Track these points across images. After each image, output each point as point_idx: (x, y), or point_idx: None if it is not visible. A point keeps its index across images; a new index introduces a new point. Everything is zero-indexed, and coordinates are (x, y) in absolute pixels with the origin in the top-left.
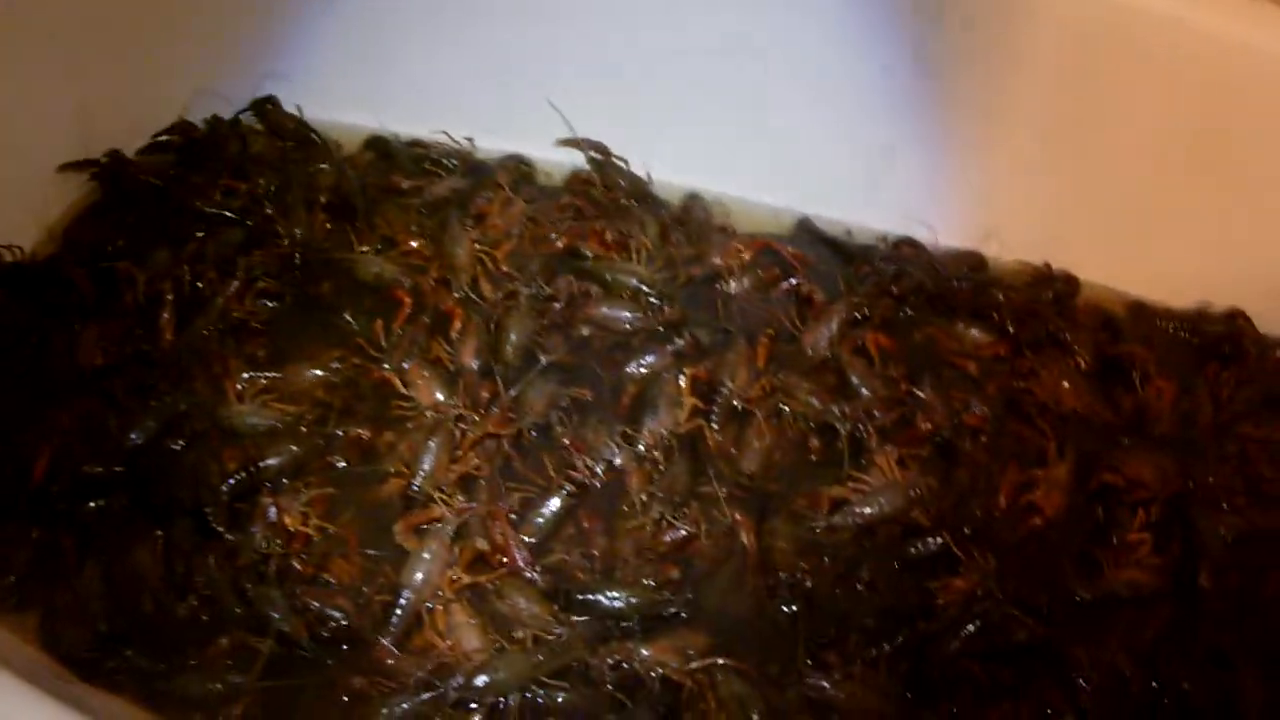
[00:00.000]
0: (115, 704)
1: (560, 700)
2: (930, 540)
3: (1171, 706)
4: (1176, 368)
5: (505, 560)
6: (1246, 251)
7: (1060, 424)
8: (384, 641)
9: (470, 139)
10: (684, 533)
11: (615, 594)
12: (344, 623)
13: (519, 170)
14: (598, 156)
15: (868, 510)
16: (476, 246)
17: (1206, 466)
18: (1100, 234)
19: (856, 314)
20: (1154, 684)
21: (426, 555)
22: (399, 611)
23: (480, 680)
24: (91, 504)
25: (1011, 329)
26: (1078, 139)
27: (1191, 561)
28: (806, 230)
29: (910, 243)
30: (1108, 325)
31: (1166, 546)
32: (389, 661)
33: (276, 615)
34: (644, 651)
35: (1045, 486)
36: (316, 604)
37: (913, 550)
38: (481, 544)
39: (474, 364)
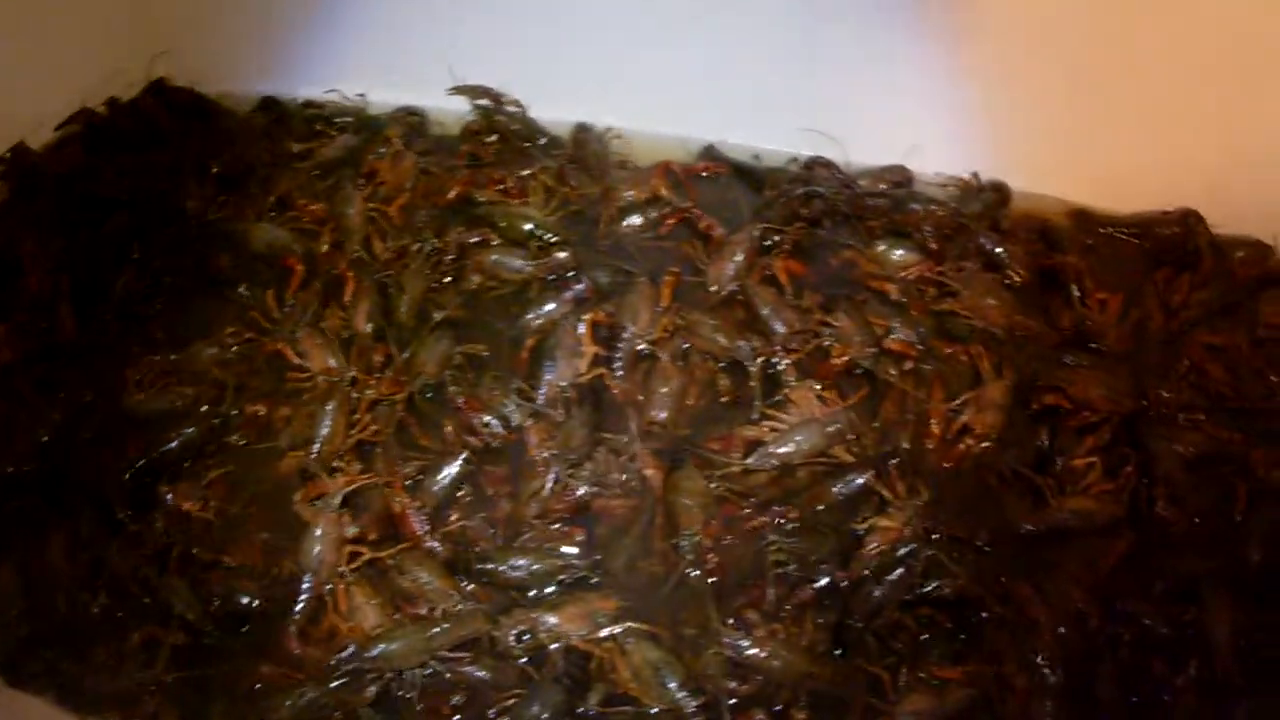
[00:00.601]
0: (38, 707)
1: (465, 673)
2: (853, 478)
3: (1133, 642)
4: (1125, 277)
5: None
6: (1189, 149)
7: (995, 344)
8: (289, 629)
9: (363, 95)
10: (582, 492)
11: (518, 561)
12: (252, 605)
13: (409, 122)
14: (487, 103)
15: (784, 450)
16: (369, 206)
17: (1162, 381)
18: (1035, 140)
19: (765, 241)
20: (1112, 620)
21: (318, 533)
22: (303, 597)
23: (374, 651)
24: (5, 505)
25: (934, 246)
26: (998, 42)
27: (1147, 486)
28: (711, 158)
29: (824, 163)
30: (1045, 236)
31: (1120, 471)
32: (295, 650)
33: (179, 604)
34: (550, 620)
35: (977, 407)
36: (221, 590)
37: (836, 490)
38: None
39: (368, 327)
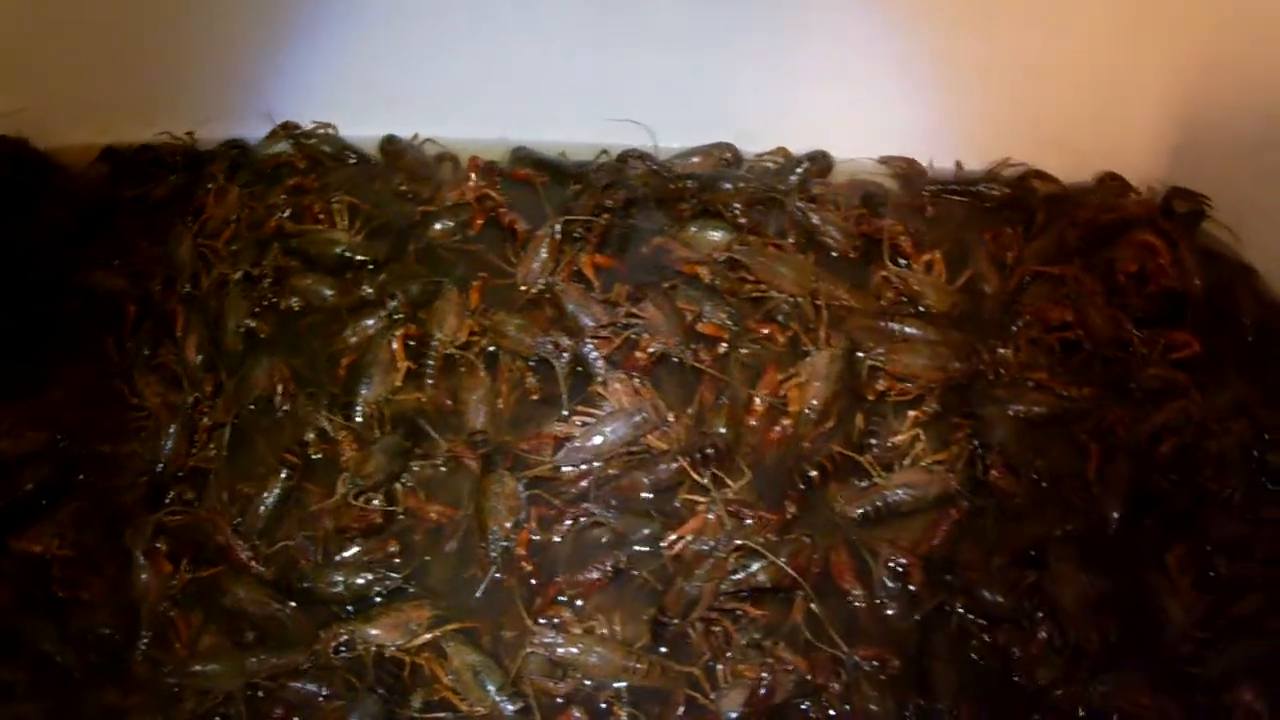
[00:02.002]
0: None
1: (293, 689)
2: (663, 468)
3: (977, 613)
4: (959, 237)
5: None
6: (1018, 105)
7: (807, 318)
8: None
9: (191, 133)
10: (376, 508)
11: (335, 576)
12: (114, 636)
13: (233, 156)
14: (295, 133)
15: (593, 443)
16: (198, 241)
17: (1000, 342)
18: (858, 107)
19: (574, 235)
20: (948, 595)
21: (141, 560)
22: (143, 629)
23: (195, 670)
24: None
25: (744, 222)
26: (800, 14)
27: (982, 454)
28: (519, 159)
29: (637, 154)
30: (869, 201)
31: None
32: (144, 676)
33: (49, 646)
34: (370, 632)
35: (798, 383)
36: (83, 625)
37: (647, 481)
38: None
39: (198, 359)
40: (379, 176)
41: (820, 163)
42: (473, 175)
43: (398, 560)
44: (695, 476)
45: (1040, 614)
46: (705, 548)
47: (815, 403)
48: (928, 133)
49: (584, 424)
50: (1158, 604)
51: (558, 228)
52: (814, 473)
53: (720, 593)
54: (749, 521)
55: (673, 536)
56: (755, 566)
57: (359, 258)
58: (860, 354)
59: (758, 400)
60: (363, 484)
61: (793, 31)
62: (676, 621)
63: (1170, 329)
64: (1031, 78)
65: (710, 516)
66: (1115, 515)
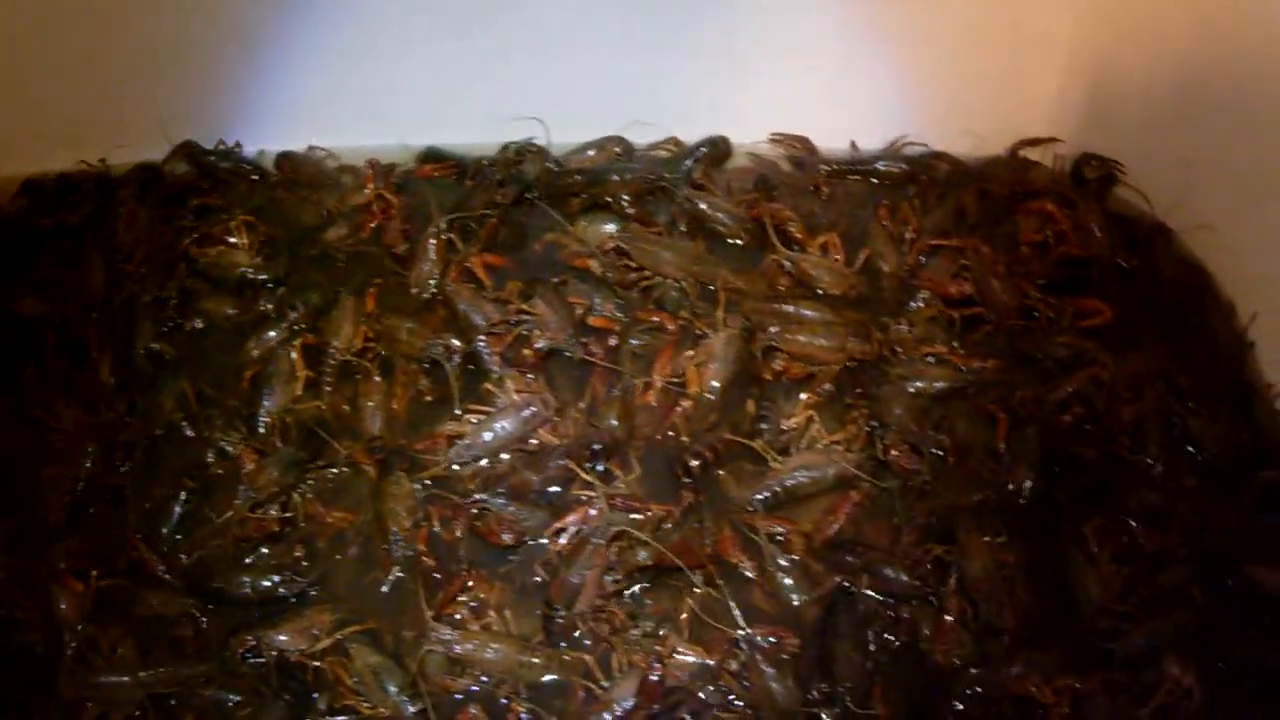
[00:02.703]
0: None
1: (204, 696)
2: (555, 463)
3: (882, 592)
4: (854, 217)
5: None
6: (919, 78)
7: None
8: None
9: (104, 160)
10: (272, 517)
11: (243, 579)
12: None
13: (142, 180)
14: (194, 153)
15: (484, 440)
16: (111, 266)
17: (899, 319)
18: (756, 91)
19: (465, 234)
20: (850, 574)
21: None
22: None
23: (99, 681)
24: None
25: (633, 212)
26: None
27: (878, 434)
28: (425, 159)
29: (533, 147)
30: (762, 185)
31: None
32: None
33: None
34: (277, 637)
35: (696, 363)
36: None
37: (538, 477)
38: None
39: (111, 380)
40: (280, 191)
41: (719, 149)
42: (370, 179)
43: (304, 564)
44: (580, 473)
45: (948, 590)
46: (590, 537)
47: (715, 384)
48: (826, 112)
49: (475, 422)
50: (1075, 578)
51: (443, 226)
52: (694, 462)
53: (609, 582)
54: (639, 515)
55: (556, 525)
56: (643, 555)
57: (261, 277)
58: (758, 335)
59: (656, 378)
60: (256, 497)
61: (685, 17)
62: (564, 613)
63: (1081, 296)
64: (931, 49)
65: (593, 511)
66: (1027, 484)
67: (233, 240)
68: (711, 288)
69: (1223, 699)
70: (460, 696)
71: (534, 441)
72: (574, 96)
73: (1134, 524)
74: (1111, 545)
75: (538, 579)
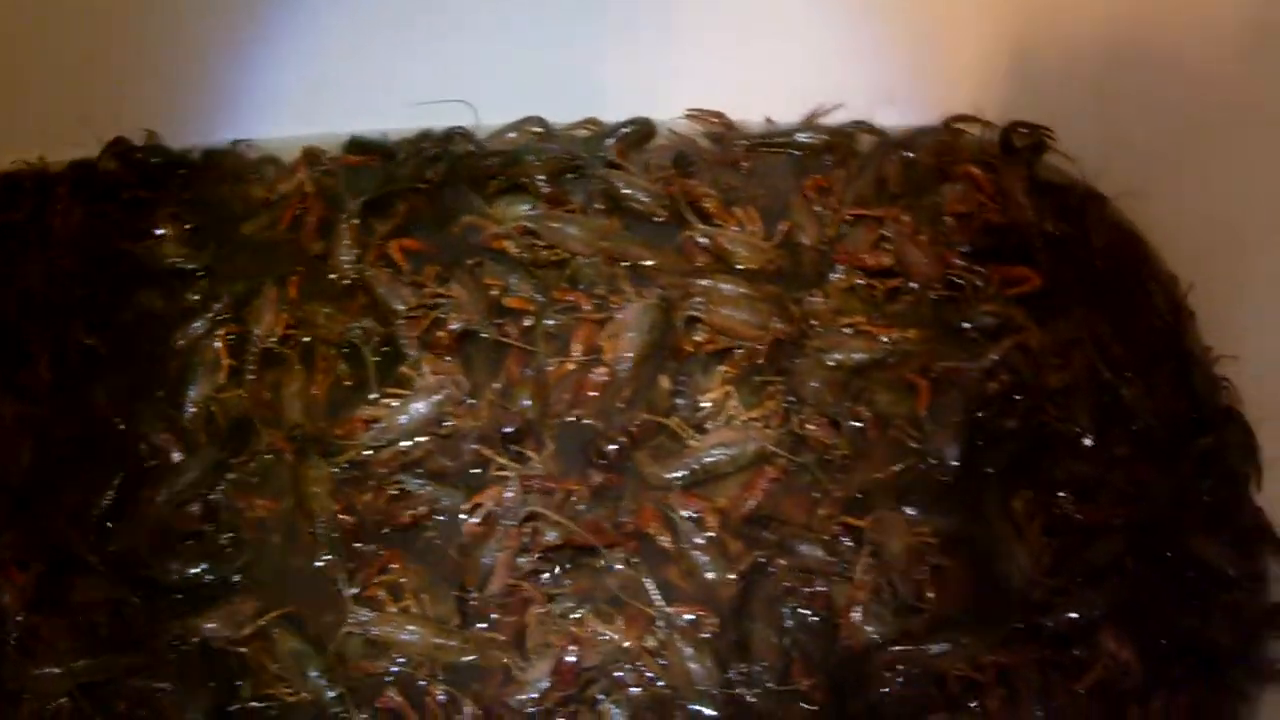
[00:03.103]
0: None
1: (128, 686)
2: (467, 447)
3: (798, 568)
4: (774, 191)
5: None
6: (843, 49)
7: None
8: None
9: (42, 157)
10: (194, 513)
11: (172, 565)
12: None
13: (76, 175)
14: (123, 148)
15: (399, 423)
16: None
17: (810, 291)
18: (678, 67)
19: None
20: (766, 551)
21: None
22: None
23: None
24: None
25: (548, 192)
26: None
27: (794, 409)
28: (351, 147)
29: (461, 131)
30: (679, 162)
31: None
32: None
33: None
34: (206, 625)
35: (610, 333)
36: None
37: (449, 463)
38: None
39: (49, 376)
40: (207, 184)
41: (641, 129)
42: (298, 168)
43: (229, 551)
44: (490, 455)
45: (862, 566)
46: (501, 519)
47: (629, 354)
48: (749, 87)
49: (392, 405)
50: (1004, 551)
51: (354, 210)
52: (611, 447)
53: (522, 563)
54: (556, 493)
55: (467, 506)
56: (552, 535)
57: (190, 267)
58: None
59: (572, 356)
60: (177, 495)
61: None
62: (477, 595)
63: (1010, 264)
64: (853, 19)
65: (509, 494)
66: (950, 453)
67: (160, 232)
68: (624, 263)
69: (1163, 673)
70: (380, 679)
71: (448, 424)
72: (501, 79)
73: (1064, 495)
74: (1041, 517)
75: (453, 561)
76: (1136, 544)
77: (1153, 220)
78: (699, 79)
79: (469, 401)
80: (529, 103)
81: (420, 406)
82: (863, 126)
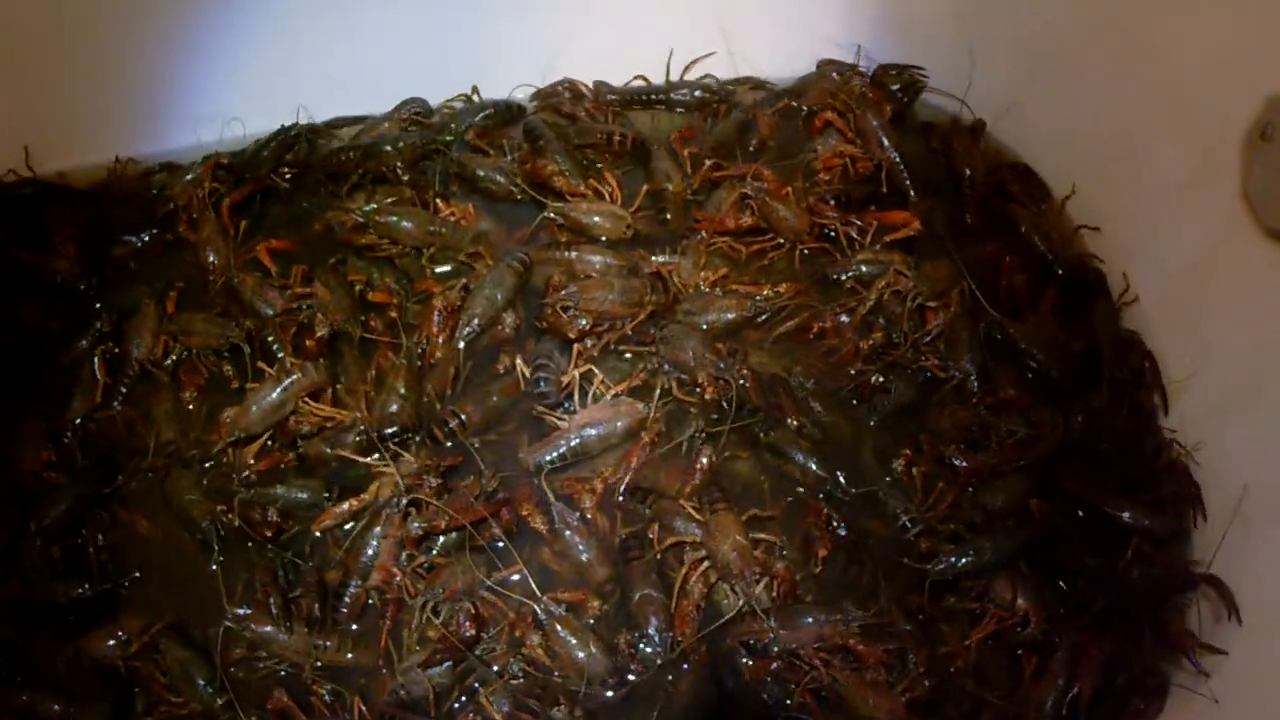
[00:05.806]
0: None
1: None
2: (347, 436)
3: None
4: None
5: None
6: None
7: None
8: None
9: None
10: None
11: (53, 589)
12: None
13: None
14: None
15: (251, 412)
16: None
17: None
18: (541, 40)
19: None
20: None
21: None
22: None
23: None
24: None
25: (406, 179)
26: None
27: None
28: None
29: (312, 128)
30: (528, 137)
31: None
32: None
33: None
34: (94, 644)
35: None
36: None
37: (329, 451)
38: None
39: None
40: (102, 200)
41: (507, 111)
42: (205, 178)
43: (111, 568)
44: (358, 459)
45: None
46: (380, 511)
47: (476, 322)
48: (622, 49)
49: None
50: (887, 505)
51: (209, 211)
52: (438, 431)
53: (399, 559)
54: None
55: (335, 511)
56: (416, 526)
57: (81, 286)
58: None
59: (433, 339)
60: (45, 527)
61: None
62: (357, 586)
63: (890, 210)
64: None
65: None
66: (805, 420)
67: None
68: (475, 250)
69: (1069, 623)
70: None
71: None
72: (373, 65)
73: (952, 443)
74: (925, 467)
75: (335, 560)
76: (1031, 490)
77: (1035, 148)
78: (585, 46)
79: (317, 385)
80: (402, 88)
81: (271, 394)
82: (739, 80)
